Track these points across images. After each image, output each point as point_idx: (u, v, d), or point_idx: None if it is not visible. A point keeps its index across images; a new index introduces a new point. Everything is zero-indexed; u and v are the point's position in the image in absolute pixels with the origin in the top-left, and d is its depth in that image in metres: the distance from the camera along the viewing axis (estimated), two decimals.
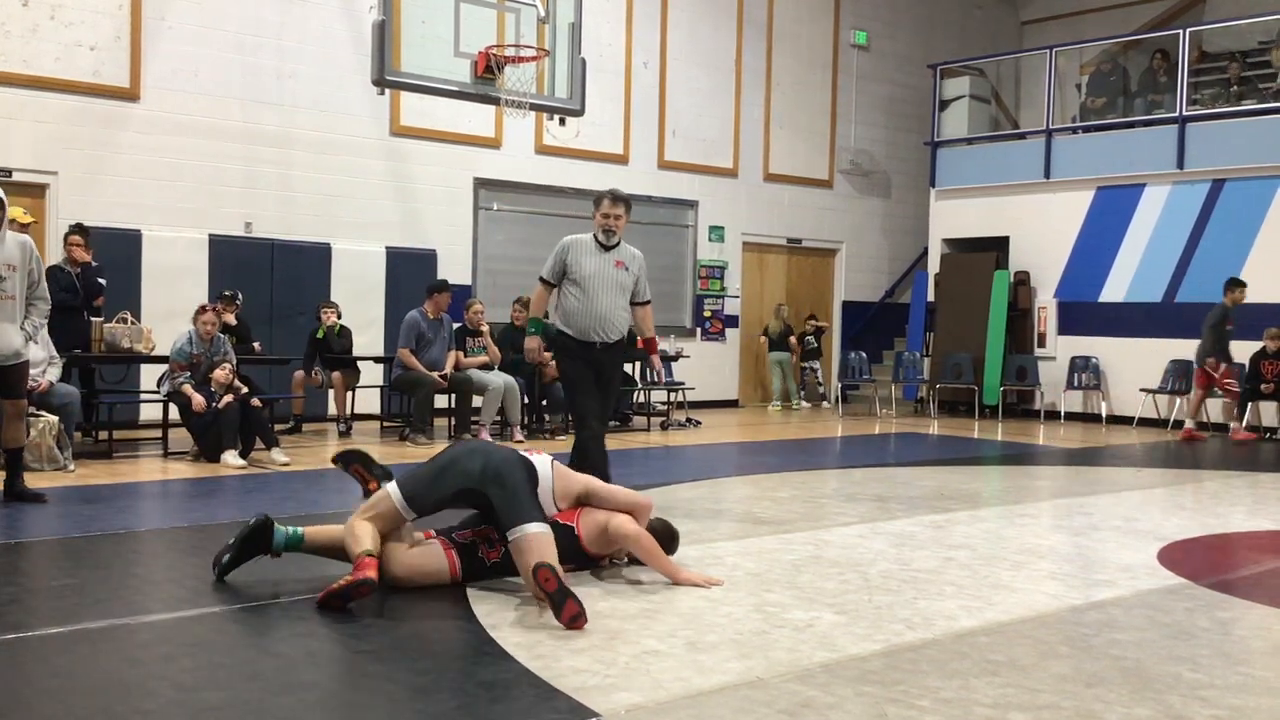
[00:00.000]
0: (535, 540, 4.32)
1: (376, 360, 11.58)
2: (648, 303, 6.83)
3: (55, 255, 9.70)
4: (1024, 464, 10.07)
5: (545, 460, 4.89)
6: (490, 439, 4.99)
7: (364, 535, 4.45)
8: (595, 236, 6.70)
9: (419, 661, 3.64)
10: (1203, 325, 12.51)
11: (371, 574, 4.25)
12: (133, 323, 9.52)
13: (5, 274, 6.37)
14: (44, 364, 8.17)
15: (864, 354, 15.58)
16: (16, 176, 10.17)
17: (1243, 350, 12.87)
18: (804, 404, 15.90)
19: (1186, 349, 13.61)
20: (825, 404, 15.97)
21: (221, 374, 8.61)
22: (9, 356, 6.45)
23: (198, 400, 8.47)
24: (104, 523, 6.03)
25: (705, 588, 4.74)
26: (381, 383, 11.48)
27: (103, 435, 9.38)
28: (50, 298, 6.77)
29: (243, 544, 4.65)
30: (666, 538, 5.05)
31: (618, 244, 6.70)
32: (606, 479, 6.08)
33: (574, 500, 4.93)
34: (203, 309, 8.98)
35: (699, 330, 15.41)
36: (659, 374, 7.16)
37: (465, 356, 10.68)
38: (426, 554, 4.61)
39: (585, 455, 6.49)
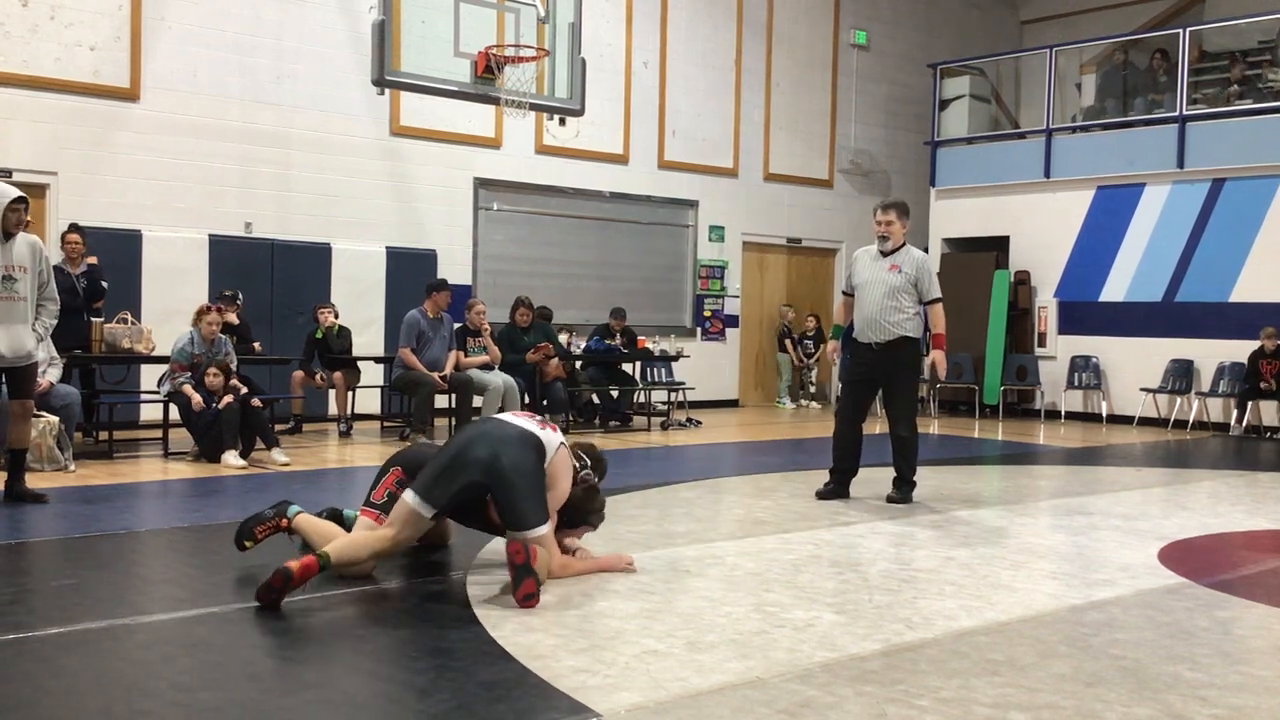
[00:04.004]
0: (531, 538, 4.50)
1: (377, 360, 11.58)
2: (935, 301, 7.25)
3: (55, 256, 9.70)
4: (1024, 464, 10.07)
5: (554, 441, 4.79)
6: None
7: (342, 544, 4.53)
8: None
9: (419, 661, 3.64)
10: None
11: (291, 564, 4.24)
12: (133, 323, 9.52)
13: (17, 275, 6.39)
14: (44, 364, 8.16)
15: None
16: (16, 177, 10.15)
17: (1242, 349, 12.89)
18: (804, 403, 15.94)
19: (1187, 349, 13.63)
20: (815, 405, 15.87)
21: (212, 379, 8.57)
22: (22, 357, 6.48)
23: (197, 400, 8.48)
24: (104, 523, 6.03)
25: (624, 564, 4.95)
26: (382, 383, 11.48)
27: (103, 435, 9.38)
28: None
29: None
30: (588, 506, 5.01)
31: (895, 249, 7.18)
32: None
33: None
34: (207, 309, 8.98)
35: (699, 330, 15.40)
36: (942, 374, 7.45)
37: (465, 356, 10.68)
38: (368, 535, 4.65)
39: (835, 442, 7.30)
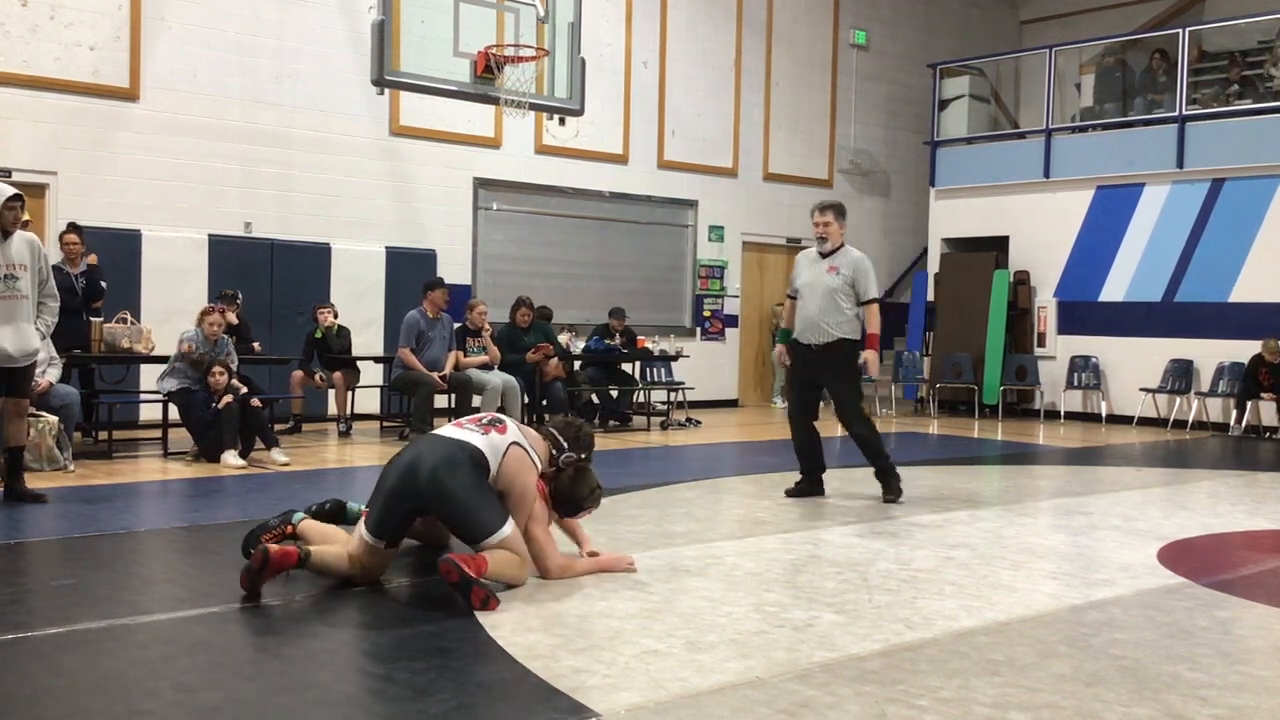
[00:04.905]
0: (493, 543, 4.49)
1: (376, 360, 11.58)
2: (871, 301, 7.22)
3: (54, 255, 9.69)
4: (1024, 464, 10.07)
5: (502, 443, 4.68)
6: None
7: (321, 549, 4.56)
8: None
9: (419, 661, 3.64)
10: None
11: (272, 547, 4.33)
12: (132, 323, 9.52)
13: (18, 274, 6.38)
14: (44, 364, 8.16)
15: None
16: (16, 176, 10.16)
17: (1241, 349, 12.89)
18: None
19: (1186, 349, 13.63)
20: None
21: (214, 379, 8.58)
22: (30, 354, 6.48)
23: (187, 345, 8.64)
24: (104, 523, 6.03)
25: (625, 564, 4.96)
26: (381, 383, 11.48)
27: (102, 435, 9.37)
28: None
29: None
30: (578, 492, 4.95)
31: (834, 250, 7.21)
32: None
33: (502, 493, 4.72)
34: (209, 309, 9.01)
35: (699, 330, 15.41)
36: (874, 373, 7.40)
37: (465, 356, 10.69)
38: (345, 556, 4.64)
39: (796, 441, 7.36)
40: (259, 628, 4.10)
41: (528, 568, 4.62)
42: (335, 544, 4.69)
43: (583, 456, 5.01)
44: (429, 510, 4.60)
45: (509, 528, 4.54)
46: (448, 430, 4.81)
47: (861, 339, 7.29)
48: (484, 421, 4.82)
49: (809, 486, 7.35)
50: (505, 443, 4.70)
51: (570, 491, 4.94)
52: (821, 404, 7.50)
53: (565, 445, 4.96)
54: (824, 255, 7.23)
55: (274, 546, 4.36)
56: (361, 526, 4.59)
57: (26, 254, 6.44)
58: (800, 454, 7.38)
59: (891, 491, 7.21)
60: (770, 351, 16.08)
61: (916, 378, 15.60)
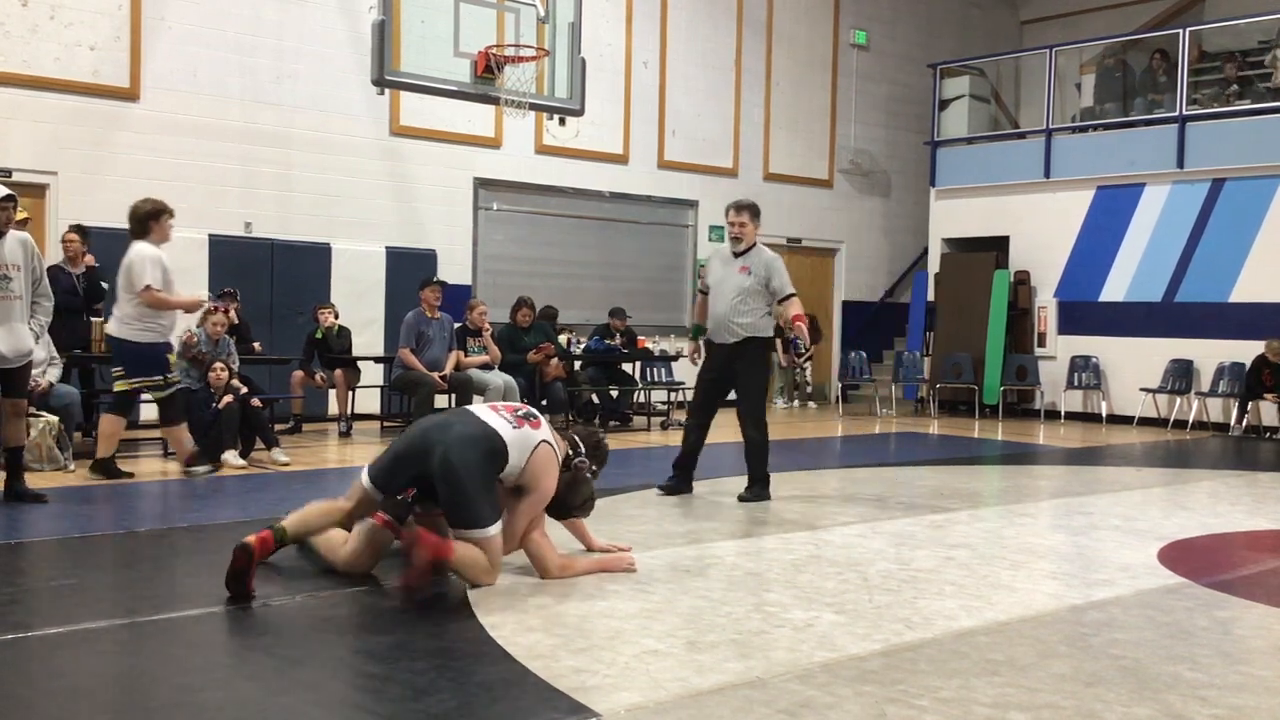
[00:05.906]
0: (470, 540, 4.50)
1: (376, 360, 11.58)
2: (787, 298, 7.23)
3: (55, 255, 9.70)
4: (1024, 464, 10.07)
5: (534, 439, 4.70)
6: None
7: (299, 514, 4.66)
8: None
9: (419, 661, 3.64)
10: None
11: (250, 539, 4.37)
12: None
13: (11, 274, 6.36)
14: (44, 364, 8.16)
15: (864, 354, 15.57)
16: (16, 176, 10.16)
17: (1241, 349, 12.89)
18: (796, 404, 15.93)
19: (1186, 349, 13.63)
20: (811, 405, 15.83)
21: (214, 376, 8.59)
22: (24, 355, 6.46)
23: (191, 336, 8.71)
24: (104, 523, 6.03)
25: (625, 564, 4.95)
26: (382, 383, 11.49)
27: None
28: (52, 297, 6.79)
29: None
30: (570, 500, 4.98)
31: (746, 250, 7.18)
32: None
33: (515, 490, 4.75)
34: (214, 309, 9.02)
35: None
36: (805, 340, 7.34)
37: (466, 356, 10.69)
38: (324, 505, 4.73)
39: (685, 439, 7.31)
40: (259, 627, 4.10)
41: (495, 576, 4.58)
42: (297, 512, 4.78)
43: (595, 468, 5.04)
44: (430, 478, 4.56)
45: (495, 529, 4.53)
46: (482, 411, 4.80)
47: (770, 338, 7.30)
48: (519, 414, 4.80)
49: (679, 483, 7.30)
50: (537, 439, 4.71)
51: (564, 495, 4.93)
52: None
53: (582, 451, 4.99)
54: (736, 255, 7.21)
55: (252, 538, 4.39)
56: (364, 473, 4.65)
57: (20, 254, 6.42)
58: (684, 449, 7.32)
59: (752, 495, 7.12)
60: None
61: (916, 378, 15.58)
